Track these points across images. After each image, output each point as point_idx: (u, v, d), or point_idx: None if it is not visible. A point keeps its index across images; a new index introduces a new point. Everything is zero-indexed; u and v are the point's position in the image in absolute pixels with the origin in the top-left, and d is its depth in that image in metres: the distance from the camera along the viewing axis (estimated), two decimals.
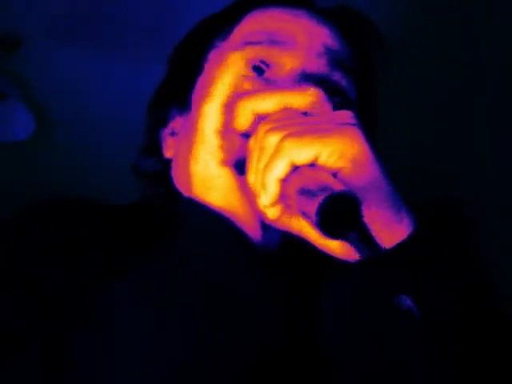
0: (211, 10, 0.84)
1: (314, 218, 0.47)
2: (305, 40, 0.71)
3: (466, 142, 2.04)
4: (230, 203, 0.58)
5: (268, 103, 0.58)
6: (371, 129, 0.76)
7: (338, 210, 0.47)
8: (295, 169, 0.53)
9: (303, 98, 0.58)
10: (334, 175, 0.54)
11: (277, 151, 0.54)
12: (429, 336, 0.56)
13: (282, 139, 0.54)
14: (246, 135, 0.60)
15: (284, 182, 0.54)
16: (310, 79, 0.69)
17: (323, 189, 0.48)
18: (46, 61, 1.92)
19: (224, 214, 0.57)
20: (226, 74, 0.59)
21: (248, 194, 0.58)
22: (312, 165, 0.53)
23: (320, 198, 0.47)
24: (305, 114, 0.59)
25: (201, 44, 0.77)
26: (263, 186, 0.55)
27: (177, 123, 0.78)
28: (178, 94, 0.78)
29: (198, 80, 0.75)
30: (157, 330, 0.53)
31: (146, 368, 0.52)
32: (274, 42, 0.71)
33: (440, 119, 2.00)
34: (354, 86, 0.74)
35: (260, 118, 0.58)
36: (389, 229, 0.57)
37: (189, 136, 0.61)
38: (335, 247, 0.57)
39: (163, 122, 0.80)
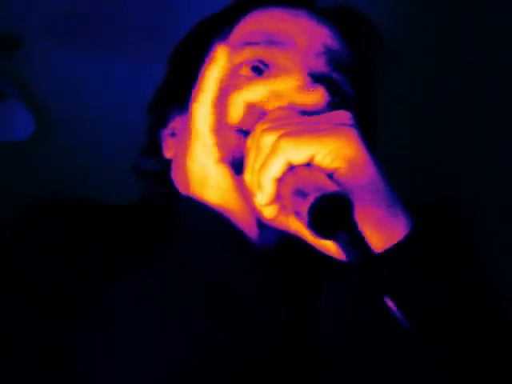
0: (211, 9, 0.84)
1: (305, 217, 0.47)
2: (304, 40, 0.71)
3: (466, 141, 2.04)
4: (226, 201, 0.58)
5: (257, 91, 0.58)
6: (371, 129, 0.76)
7: (329, 210, 0.47)
8: (291, 168, 0.53)
9: (303, 95, 0.58)
10: (331, 176, 0.54)
11: (273, 150, 0.54)
12: (429, 336, 0.56)
13: (279, 139, 0.54)
14: (242, 131, 0.60)
15: (280, 181, 0.54)
16: (308, 78, 0.69)
17: (317, 189, 0.48)
18: (46, 61, 1.92)
19: (221, 212, 0.57)
20: (212, 70, 0.59)
21: (245, 193, 0.58)
22: (308, 165, 0.53)
23: (311, 198, 0.47)
24: (302, 114, 0.59)
25: (200, 44, 0.77)
26: (259, 185, 0.55)
27: (177, 123, 0.78)
28: (177, 94, 0.78)
29: (197, 80, 0.75)
30: (157, 330, 0.53)
31: (145, 368, 0.53)
32: (273, 42, 0.71)
33: (440, 119, 2.00)
34: (352, 85, 0.74)
35: (258, 118, 0.58)
36: (386, 229, 0.57)
37: (185, 136, 0.61)
38: (331, 247, 0.57)
39: (163, 122, 0.80)
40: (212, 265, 0.55)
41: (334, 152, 0.54)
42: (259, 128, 0.57)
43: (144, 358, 0.53)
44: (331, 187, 0.49)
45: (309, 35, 0.72)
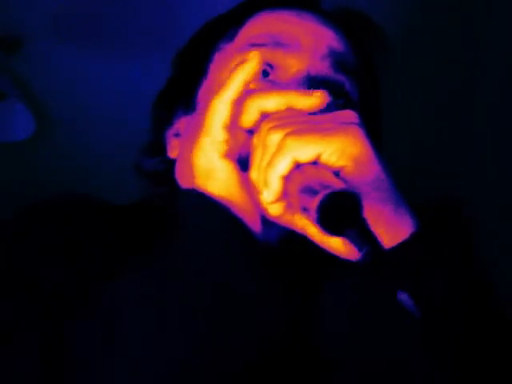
0: (211, 9, 0.84)
1: (314, 214, 0.47)
2: (309, 42, 0.72)
3: (466, 141, 2.04)
4: (231, 194, 0.58)
5: (274, 102, 0.58)
6: (375, 129, 0.76)
7: (339, 206, 0.47)
8: (297, 166, 0.54)
9: (309, 100, 0.58)
10: (336, 174, 0.54)
11: (280, 149, 0.54)
12: (429, 336, 0.56)
13: (285, 137, 0.54)
14: (251, 132, 0.60)
15: (286, 179, 0.54)
16: (314, 81, 0.70)
17: (324, 186, 0.48)
18: (46, 61, 1.92)
19: (224, 204, 0.57)
20: (241, 71, 0.59)
21: (250, 189, 0.58)
22: (314, 163, 0.54)
23: (321, 195, 0.47)
24: (308, 113, 0.59)
25: (206, 46, 0.78)
26: (266, 182, 0.55)
27: (181, 123, 0.78)
28: (183, 94, 0.78)
29: (204, 81, 0.75)
30: (157, 330, 0.53)
31: (146, 368, 0.53)
32: (278, 44, 0.71)
33: (440, 119, 2.00)
34: (357, 87, 0.74)
35: (264, 116, 0.59)
36: (391, 228, 0.57)
37: (194, 132, 0.61)
38: (337, 245, 0.57)
39: (168, 122, 0.81)
40: (212, 264, 0.55)
41: (340, 150, 0.54)
42: (265, 126, 0.57)
43: (144, 357, 0.53)
44: (339, 184, 0.49)
45: (314, 37, 0.73)
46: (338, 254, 0.58)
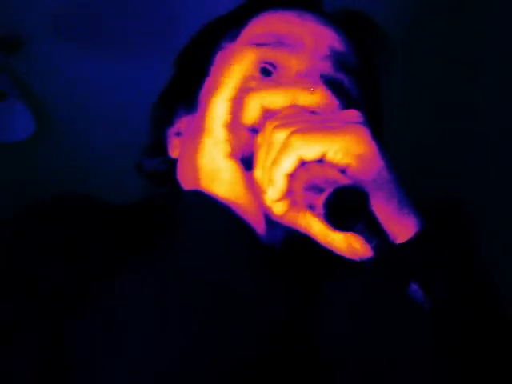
0: (211, 9, 0.84)
1: (321, 210, 0.48)
2: (311, 42, 0.72)
3: (467, 142, 2.04)
4: (235, 195, 0.58)
5: (277, 98, 0.59)
6: (376, 129, 0.77)
7: (346, 202, 0.47)
8: (302, 164, 0.54)
9: (311, 96, 0.59)
10: (342, 171, 0.54)
11: (285, 147, 0.54)
12: (429, 336, 0.56)
13: (290, 135, 0.54)
14: (253, 130, 0.60)
15: (291, 177, 0.54)
16: (317, 79, 0.70)
17: (331, 183, 0.48)
18: (46, 61, 1.92)
19: (229, 205, 0.57)
20: (236, 68, 0.59)
21: (254, 189, 0.58)
22: (319, 161, 0.54)
23: (328, 191, 0.47)
24: (312, 112, 0.59)
25: (208, 45, 0.78)
26: (270, 181, 0.55)
27: (183, 123, 0.79)
28: (184, 94, 0.78)
29: (206, 80, 0.75)
30: (157, 330, 0.53)
31: (146, 367, 0.52)
32: (280, 44, 0.71)
33: (441, 119, 2.00)
34: (358, 87, 0.74)
35: (268, 115, 0.59)
36: (396, 226, 0.57)
37: (196, 132, 0.61)
38: (341, 245, 0.57)
39: (169, 121, 0.81)
40: (212, 263, 0.55)
41: (345, 148, 0.54)
42: (270, 125, 0.57)
43: (144, 357, 0.53)
44: (345, 180, 0.49)
45: (316, 37, 0.73)
46: (341, 254, 0.58)
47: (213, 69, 0.76)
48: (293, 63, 0.70)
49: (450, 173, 2.05)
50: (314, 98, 0.59)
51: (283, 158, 0.54)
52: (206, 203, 0.58)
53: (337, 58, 0.72)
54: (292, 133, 0.54)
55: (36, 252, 0.62)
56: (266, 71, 0.70)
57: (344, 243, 0.57)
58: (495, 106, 1.92)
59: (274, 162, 0.55)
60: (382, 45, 0.82)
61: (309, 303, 0.64)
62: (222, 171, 0.58)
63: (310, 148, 0.53)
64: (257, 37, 0.73)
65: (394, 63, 0.84)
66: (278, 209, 0.58)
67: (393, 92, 0.99)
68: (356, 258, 0.57)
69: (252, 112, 0.59)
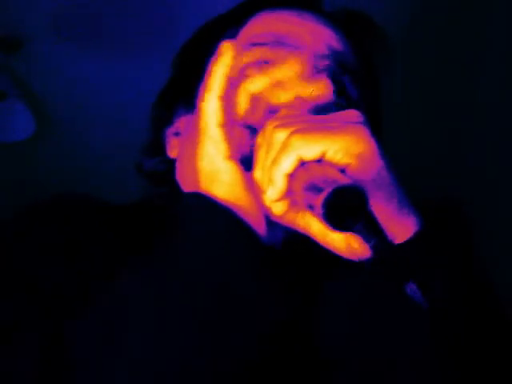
0: (211, 9, 0.84)
1: (320, 210, 0.48)
2: (310, 42, 0.72)
3: (466, 142, 2.04)
4: (235, 197, 0.58)
5: (261, 81, 0.59)
6: (375, 129, 0.77)
7: (345, 201, 0.47)
8: (302, 164, 0.54)
9: (312, 88, 0.59)
10: (342, 171, 0.54)
11: (284, 147, 0.54)
12: (428, 336, 0.56)
13: (290, 135, 0.54)
14: (250, 127, 0.60)
15: (291, 177, 0.54)
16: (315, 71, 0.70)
17: (330, 183, 0.48)
18: (46, 61, 1.92)
19: (230, 207, 0.57)
20: (218, 66, 0.59)
21: (254, 189, 0.58)
22: (319, 161, 0.54)
23: (327, 191, 0.47)
24: (312, 112, 0.59)
25: (206, 45, 0.78)
26: (270, 180, 0.55)
27: (181, 122, 0.79)
28: (184, 93, 0.78)
29: (204, 80, 0.75)
30: (157, 330, 0.53)
31: (146, 368, 0.52)
32: (279, 43, 0.71)
33: (440, 119, 2.00)
34: (357, 87, 0.74)
35: (268, 115, 0.59)
36: (395, 226, 0.57)
37: (194, 132, 0.61)
38: (340, 245, 0.57)
39: (168, 121, 0.81)
40: (212, 264, 0.55)
41: (345, 148, 0.54)
42: (270, 125, 0.57)
43: (144, 357, 0.53)
44: (345, 180, 0.49)
45: (315, 37, 0.73)
46: (340, 254, 0.58)
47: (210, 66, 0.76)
48: (291, 62, 0.70)
49: (449, 172, 2.05)
50: (310, 87, 0.59)
51: (283, 157, 0.54)
52: (206, 205, 0.57)
53: (336, 58, 0.72)
54: (292, 133, 0.54)
55: (36, 252, 0.62)
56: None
57: (343, 243, 0.57)
58: (494, 106, 1.92)
59: (274, 162, 0.55)
60: (381, 44, 0.82)
61: (309, 303, 0.64)
62: (221, 173, 0.58)
63: (310, 148, 0.53)
64: (255, 36, 0.73)
65: (393, 63, 0.84)
66: (278, 209, 0.58)
67: (392, 92, 0.99)
68: (355, 258, 0.57)
69: (241, 103, 0.59)
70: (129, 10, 1.77)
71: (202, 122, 0.59)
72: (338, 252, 0.58)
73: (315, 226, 0.58)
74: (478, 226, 0.64)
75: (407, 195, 0.59)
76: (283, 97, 0.60)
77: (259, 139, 0.59)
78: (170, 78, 0.85)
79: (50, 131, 2.12)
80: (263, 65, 0.70)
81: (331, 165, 0.54)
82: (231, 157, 0.58)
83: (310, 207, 0.50)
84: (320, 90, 0.59)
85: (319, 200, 0.48)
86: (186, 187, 0.65)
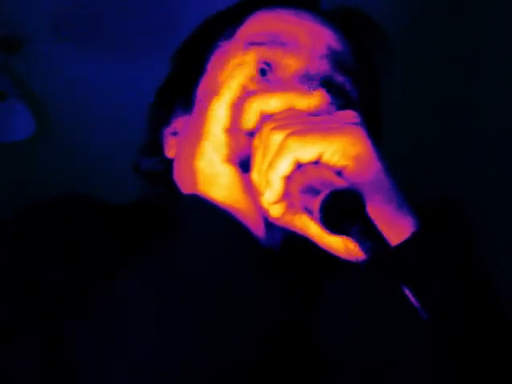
0: (211, 9, 0.84)
1: (317, 213, 0.47)
2: (308, 41, 0.72)
3: (466, 142, 2.04)
4: (233, 199, 0.58)
5: (275, 103, 0.58)
6: (375, 129, 0.76)
7: (342, 205, 0.47)
8: (299, 166, 0.54)
9: (309, 100, 0.58)
10: (338, 173, 0.54)
11: (281, 149, 0.54)
12: (428, 336, 0.56)
13: (287, 137, 0.54)
14: (251, 134, 0.60)
15: (288, 179, 0.54)
16: (313, 80, 0.70)
17: (326, 186, 0.48)
18: (46, 61, 1.92)
19: (228, 210, 0.57)
20: (238, 72, 0.59)
21: (252, 191, 0.58)
22: (316, 163, 0.54)
23: (323, 194, 0.47)
24: (309, 114, 0.59)
25: (204, 44, 0.78)
26: (267, 183, 0.55)
27: (179, 123, 0.78)
28: (180, 93, 0.78)
29: (202, 80, 0.75)
30: (157, 330, 0.53)
31: (146, 368, 0.52)
32: (277, 42, 0.71)
33: (440, 119, 2.00)
34: (356, 86, 0.74)
35: (265, 118, 0.59)
36: (393, 227, 0.57)
37: (194, 134, 0.61)
38: (337, 246, 0.57)
39: (165, 121, 0.80)
40: (212, 265, 0.55)
41: (341, 150, 0.54)
42: (267, 127, 0.57)
43: (144, 357, 0.53)
44: (341, 183, 0.49)
45: (313, 36, 0.73)
46: (338, 255, 0.58)
47: (209, 68, 0.75)
48: (289, 62, 0.70)
49: (449, 172, 2.05)
50: (311, 101, 0.58)
51: (280, 160, 0.54)
52: (204, 208, 0.57)
53: (334, 57, 0.72)
54: (288, 135, 0.54)
55: (36, 252, 0.62)
56: (263, 71, 0.70)
57: (341, 244, 0.57)
58: (494, 106, 1.92)
59: (271, 165, 0.54)
60: (380, 43, 0.82)
61: (309, 303, 0.64)
62: (220, 176, 0.58)
63: (307, 150, 0.53)
64: (253, 36, 0.73)
65: (392, 62, 0.83)
66: (275, 211, 0.57)
67: (392, 92, 0.99)
68: (353, 258, 0.56)
69: (251, 117, 0.59)
70: (129, 9, 1.77)
71: (207, 124, 0.59)
72: (335, 253, 0.58)
73: (313, 228, 0.58)
74: (478, 225, 0.64)
75: (405, 196, 0.59)
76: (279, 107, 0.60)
77: (256, 141, 0.58)
78: (168, 77, 0.85)
79: (49, 131, 2.12)
80: (264, 71, 0.70)
81: (328, 167, 0.54)
82: (230, 160, 0.58)
83: (307, 210, 0.50)
84: (316, 101, 0.58)
85: (315, 203, 0.47)
86: (184, 188, 0.65)
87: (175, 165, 0.75)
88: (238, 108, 0.59)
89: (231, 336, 0.55)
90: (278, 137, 0.55)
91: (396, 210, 0.57)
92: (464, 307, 0.57)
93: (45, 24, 1.79)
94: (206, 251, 0.56)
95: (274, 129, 0.56)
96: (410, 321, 0.55)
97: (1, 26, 1.78)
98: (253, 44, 0.71)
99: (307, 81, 0.69)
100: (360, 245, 0.47)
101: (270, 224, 0.59)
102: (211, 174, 0.58)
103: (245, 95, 0.59)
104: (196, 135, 0.60)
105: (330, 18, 0.77)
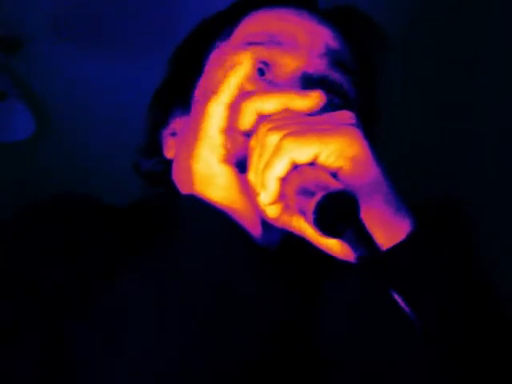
0: (211, 9, 0.84)
1: (311, 216, 0.47)
2: (306, 40, 0.72)
3: (466, 141, 2.04)
4: (231, 200, 0.58)
5: (272, 104, 0.58)
6: (373, 129, 0.76)
7: (335, 208, 0.47)
8: (295, 168, 0.54)
9: (306, 101, 0.58)
10: (334, 175, 0.54)
11: (277, 150, 0.54)
12: (428, 336, 0.56)
13: (283, 138, 0.54)
14: (248, 134, 0.60)
15: (284, 180, 0.54)
16: (311, 80, 0.70)
17: (321, 188, 0.48)
18: (46, 61, 1.92)
19: (225, 210, 0.57)
20: (234, 73, 0.59)
21: (249, 192, 0.58)
22: (312, 164, 0.54)
23: (317, 197, 0.47)
24: (306, 115, 0.59)
25: (202, 45, 0.78)
26: (263, 184, 0.55)
27: (177, 123, 0.78)
28: (179, 94, 0.78)
29: (200, 80, 0.75)
30: (157, 330, 0.54)
31: (146, 368, 0.53)
32: (275, 42, 0.71)
33: (440, 119, 2.00)
34: (355, 86, 0.74)
35: (262, 118, 0.58)
36: (388, 228, 0.57)
37: (191, 134, 0.61)
38: (334, 246, 0.57)
39: (164, 122, 0.80)
40: (212, 265, 0.55)
41: (337, 151, 0.54)
42: (263, 128, 0.57)
43: (144, 357, 0.53)
44: (336, 185, 0.49)
45: (311, 35, 0.72)
46: (335, 255, 0.58)
47: (207, 69, 0.75)
48: (287, 62, 0.70)
49: (449, 172, 2.05)
50: (308, 101, 0.58)
51: (275, 161, 0.54)
52: (201, 209, 0.57)
53: (332, 56, 0.72)
54: (285, 135, 0.54)
55: (36, 252, 0.62)
56: (261, 70, 0.70)
57: (338, 245, 0.57)
58: (494, 106, 1.92)
59: (267, 166, 0.54)
60: (379, 42, 0.81)
61: (308, 303, 0.64)
62: (216, 176, 0.58)
63: (302, 151, 0.53)
64: (250, 35, 0.73)
65: (392, 62, 0.83)
66: (272, 212, 0.57)
67: (392, 92, 0.99)
68: (350, 259, 0.56)
69: (248, 118, 0.59)
70: (129, 9, 1.77)
71: (204, 125, 0.59)
72: (333, 253, 0.58)
73: (310, 229, 0.58)
74: (478, 225, 0.64)
75: (402, 198, 0.58)
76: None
77: (253, 142, 0.58)
78: (166, 78, 0.85)
79: (49, 131, 2.12)
80: (262, 71, 0.70)
81: (324, 168, 0.54)
82: (226, 160, 0.58)
83: (302, 212, 0.50)
84: (314, 101, 0.58)
85: (309, 205, 0.47)
86: (182, 188, 0.65)
87: (174, 165, 0.75)
88: (234, 108, 0.59)
89: (231, 336, 0.55)
90: (274, 137, 0.55)
91: (393, 211, 0.57)
92: (464, 307, 0.57)
93: (45, 24, 1.79)
94: (204, 251, 0.56)
95: (270, 129, 0.56)
96: (410, 321, 0.55)
97: (1, 26, 1.78)
98: (250, 44, 0.71)
99: (305, 80, 0.69)
100: (352, 248, 0.47)
101: (267, 224, 0.59)
102: (208, 174, 0.58)
103: (242, 95, 0.59)
104: (193, 136, 0.60)
105: (328, 16, 0.77)
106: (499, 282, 0.65)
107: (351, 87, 0.73)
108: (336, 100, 0.71)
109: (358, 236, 0.47)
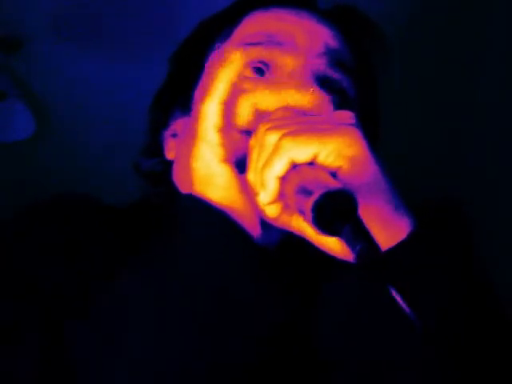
0: (211, 9, 0.84)
1: (309, 214, 0.47)
2: (305, 40, 0.72)
3: (466, 142, 2.04)
4: (230, 200, 0.58)
5: (270, 99, 0.58)
6: (372, 128, 0.76)
7: (334, 206, 0.47)
8: (294, 167, 0.54)
9: (304, 98, 0.58)
10: (333, 174, 0.54)
11: (276, 149, 0.54)
12: (428, 336, 0.56)
13: (282, 137, 0.54)
14: (247, 132, 0.60)
15: (283, 180, 0.54)
16: (310, 79, 0.70)
17: (320, 187, 0.48)
18: (47, 61, 1.92)
19: (224, 210, 0.57)
20: (225, 71, 0.59)
21: (248, 191, 0.58)
22: (311, 163, 0.54)
23: (316, 195, 0.47)
24: (305, 113, 0.59)
25: (201, 45, 0.78)
26: (262, 183, 0.55)
27: (178, 124, 0.79)
28: (179, 95, 0.78)
29: (200, 81, 0.75)
30: (157, 330, 0.54)
31: (146, 368, 0.53)
32: (274, 42, 0.71)
33: (440, 119, 2.00)
34: (354, 85, 0.74)
35: (261, 117, 0.59)
36: (388, 228, 0.57)
37: (190, 135, 0.61)
38: (333, 246, 0.57)
39: (165, 123, 0.81)
40: (211, 265, 0.55)
41: (336, 151, 0.54)
42: (262, 127, 0.57)
43: (144, 358, 0.53)
44: (335, 184, 0.49)
45: (310, 35, 0.73)
46: (334, 255, 0.58)
47: (207, 70, 0.75)
48: (286, 61, 0.70)
49: (449, 172, 2.05)
50: (307, 99, 0.58)
51: (275, 160, 0.54)
52: (201, 209, 0.57)
53: (331, 55, 0.72)
54: (283, 135, 0.54)
55: (36, 252, 0.62)
56: (260, 70, 0.70)
57: (338, 245, 0.57)
58: (494, 106, 1.92)
59: (266, 165, 0.54)
60: (378, 42, 0.82)
61: (307, 305, 0.64)
62: (216, 176, 0.58)
63: (301, 150, 0.53)
64: (249, 36, 0.73)
65: (390, 59, 0.83)
66: (271, 211, 0.57)
67: (391, 91, 0.99)
68: (350, 259, 0.56)
69: (245, 114, 0.59)
70: (129, 9, 1.77)
71: (201, 124, 0.59)
72: (332, 253, 0.58)
73: (309, 229, 0.58)
74: (478, 225, 0.64)
75: (402, 197, 0.59)
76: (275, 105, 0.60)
77: (252, 141, 0.58)
78: (166, 79, 0.85)
79: (49, 131, 2.12)
80: (261, 71, 0.70)
81: (323, 168, 0.54)
82: (226, 160, 0.58)
83: (300, 211, 0.50)
84: (312, 99, 0.58)
85: (308, 204, 0.48)
86: (182, 188, 0.65)
87: (174, 166, 0.75)
88: (229, 106, 0.59)
89: (230, 339, 0.55)
90: (273, 137, 0.55)
91: (393, 211, 0.57)
92: (464, 307, 0.57)
93: (45, 24, 1.79)
94: (204, 251, 0.56)
95: (269, 129, 0.56)
96: (409, 321, 0.55)
97: (1, 26, 1.78)
98: (250, 44, 0.71)
99: (304, 79, 0.69)
100: (350, 247, 0.48)
101: (266, 224, 0.59)
102: (207, 174, 0.58)
103: (238, 92, 0.59)
104: (192, 136, 0.60)
105: (327, 16, 0.77)
106: (499, 282, 0.65)
107: (351, 87, 0.73)
108: (335, 99, 0.71)
109: (357, 234, 0.47)
